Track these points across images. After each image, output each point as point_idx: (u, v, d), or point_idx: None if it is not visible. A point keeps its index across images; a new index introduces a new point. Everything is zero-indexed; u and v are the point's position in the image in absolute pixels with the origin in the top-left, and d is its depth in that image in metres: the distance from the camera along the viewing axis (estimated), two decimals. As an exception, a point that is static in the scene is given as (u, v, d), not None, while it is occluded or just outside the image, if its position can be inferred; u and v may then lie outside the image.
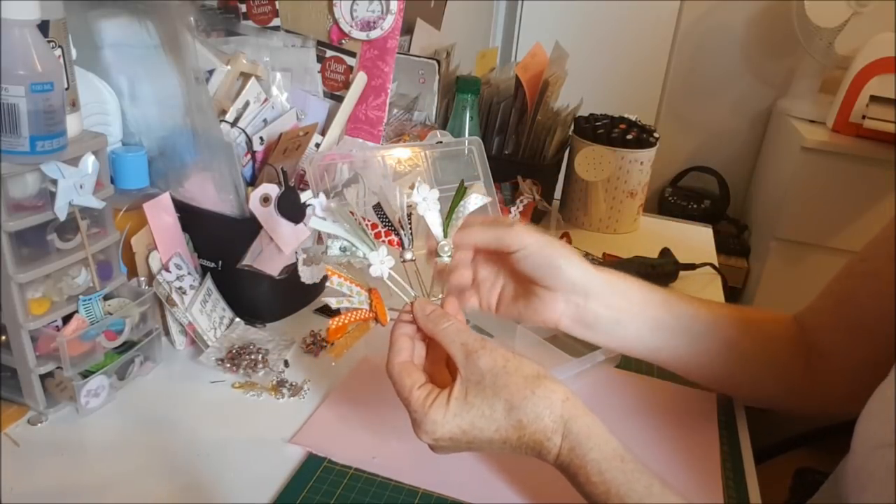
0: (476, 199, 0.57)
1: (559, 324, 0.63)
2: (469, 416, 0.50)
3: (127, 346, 0.68)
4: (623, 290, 0.64)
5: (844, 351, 0.62)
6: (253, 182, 0.79)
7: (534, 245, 0.59)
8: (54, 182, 0.57)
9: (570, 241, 1.11)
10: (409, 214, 0.55)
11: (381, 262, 0.54)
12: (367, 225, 0.54)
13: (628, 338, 0.65)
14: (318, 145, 0.85)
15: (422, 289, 0.56)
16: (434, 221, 0.55)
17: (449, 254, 0.56)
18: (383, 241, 0.55)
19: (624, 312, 0.64)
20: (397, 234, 0.56)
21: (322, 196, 0.54)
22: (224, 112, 0.78)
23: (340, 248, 0.53)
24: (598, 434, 0.50)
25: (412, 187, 0.54)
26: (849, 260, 0.65)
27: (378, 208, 0.56)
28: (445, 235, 0.56)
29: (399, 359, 0.53)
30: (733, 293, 2.01)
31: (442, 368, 0.55)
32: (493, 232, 0.59)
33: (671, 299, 0.66)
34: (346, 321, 0.53)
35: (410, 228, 0.55)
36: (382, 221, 0.55)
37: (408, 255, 0.55)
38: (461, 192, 0.57)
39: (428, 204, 0.54)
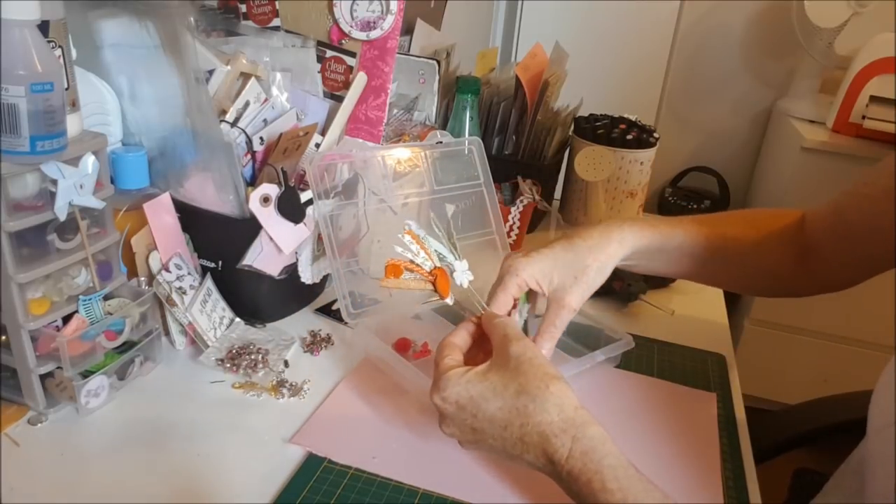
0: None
1: None
2: (481, 386, 0.53)
3: (127, 346, 0.68)
4: (643, 248, 0.70)
5: (834, 252, 0.70)
6: (253, 182, 0.79)
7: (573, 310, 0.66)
8: (54, 182, 0.57)
9: (570, 241, 1.11)
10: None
11: (463, 272, 0.62)
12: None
13: (643, 270, 0.74)
14: (318, 145, 0.85)
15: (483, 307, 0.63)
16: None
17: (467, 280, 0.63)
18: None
19: (643, 260, 0.72)
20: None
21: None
22: (224, 112, 0.78)
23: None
24: (611, 444, 0.51)
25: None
26: (857, 178, 0.69)
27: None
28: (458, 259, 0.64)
29: (451, 339, 0.59)
30: (733, 293, 2.01)
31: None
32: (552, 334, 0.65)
33: (685, 242, 0.72)
34: (404, 264, 0.59)
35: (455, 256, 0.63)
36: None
37: (465, 284, 0.63)
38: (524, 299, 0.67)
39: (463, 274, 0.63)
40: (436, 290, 0.60)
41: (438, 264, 0.61)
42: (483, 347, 0.59)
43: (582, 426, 0.50)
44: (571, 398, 0.52)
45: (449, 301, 0.61)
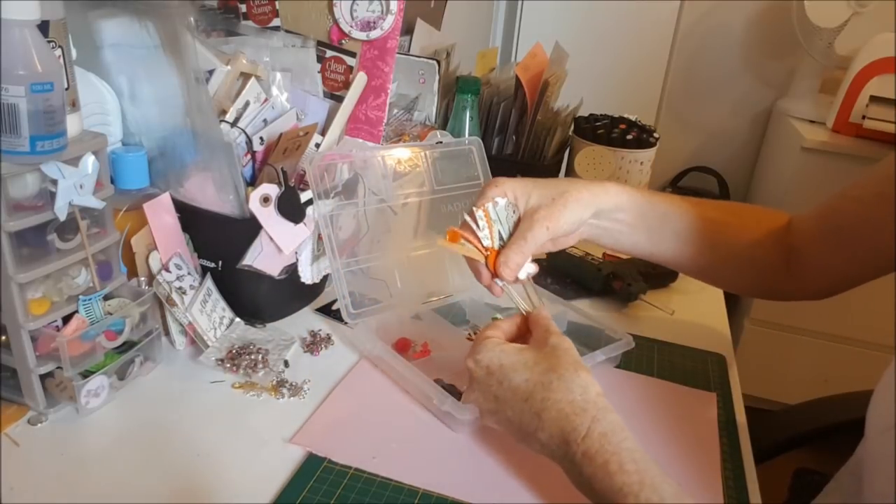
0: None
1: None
2: (514, 358, 0.56)
3: (127, 346, 0.68)
4: (627, 206, 0.70)
5: (819, 256, 0.69)
6: (253, 182, 0.79)
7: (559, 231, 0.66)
8: (54, 182, 0.57)
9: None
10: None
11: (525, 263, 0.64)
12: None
13: (629, 245, 0.73)
14: (318, 145, 0.85)
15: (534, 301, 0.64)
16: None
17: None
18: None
19: (625, 225, 0.71)
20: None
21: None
22: (224, 112, 0.78)
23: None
24: (628, 431, 0.52)
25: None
26: (848, 183, 0.69)
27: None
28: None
29: (499, 322, 0.63)
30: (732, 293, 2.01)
31: None
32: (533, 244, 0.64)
33: (668, 212, 0.72)
34: (462, 233, 0.63)
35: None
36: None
37: (522, 275, 0.64)
38: None
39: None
40: (487, 266, 0.63)
41: (496, 247, 0.63)
42: (527, 343, 0.61)
43: (603, 410, 0.52)
44: (596, 386, 0.54)
45: (499, 282, 0.63)
